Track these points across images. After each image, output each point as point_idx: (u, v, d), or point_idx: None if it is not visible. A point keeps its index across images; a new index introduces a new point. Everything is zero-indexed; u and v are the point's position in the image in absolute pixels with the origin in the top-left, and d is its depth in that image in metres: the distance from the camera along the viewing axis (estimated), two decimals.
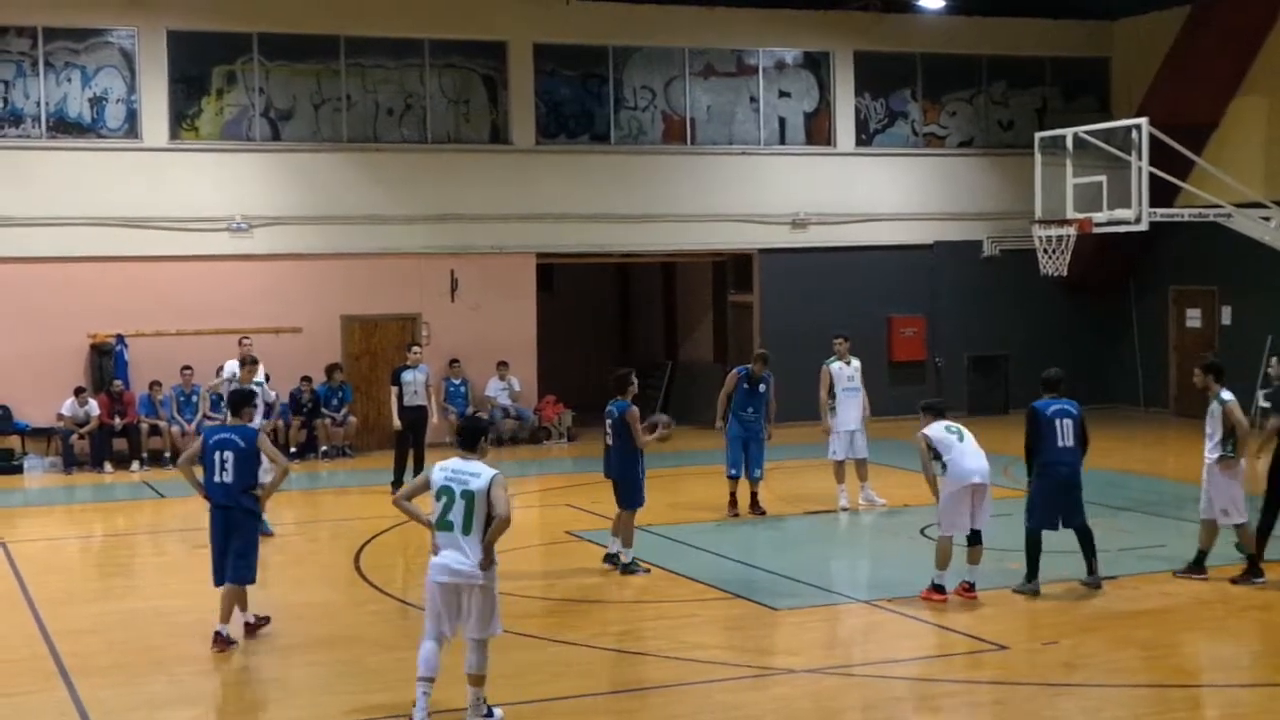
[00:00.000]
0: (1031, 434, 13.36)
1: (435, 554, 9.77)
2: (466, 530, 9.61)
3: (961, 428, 13.39)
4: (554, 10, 25.66)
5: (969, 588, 13.10)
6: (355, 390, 24.44)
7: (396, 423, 19.79)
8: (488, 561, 9.64)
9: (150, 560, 16.78)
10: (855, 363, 18.31)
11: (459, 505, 9.63)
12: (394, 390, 19.84)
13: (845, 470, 18.11)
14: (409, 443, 19.34)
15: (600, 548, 15.22)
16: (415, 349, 19.95)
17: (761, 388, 17.64)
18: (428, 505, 10.00)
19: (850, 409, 18.06)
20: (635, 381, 14.77)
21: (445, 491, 9.70)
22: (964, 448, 13.14)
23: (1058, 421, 13.30)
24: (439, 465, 9.88)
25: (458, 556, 9.64)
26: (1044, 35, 28.79)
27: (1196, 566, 13.73)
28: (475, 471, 9.70)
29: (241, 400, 12.42)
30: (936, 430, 13.23)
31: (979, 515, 13.13)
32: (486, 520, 9.64)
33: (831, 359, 18.29)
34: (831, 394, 18.14)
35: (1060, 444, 13.28)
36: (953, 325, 28.15)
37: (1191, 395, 14.27)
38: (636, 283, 31.74)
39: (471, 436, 9.94)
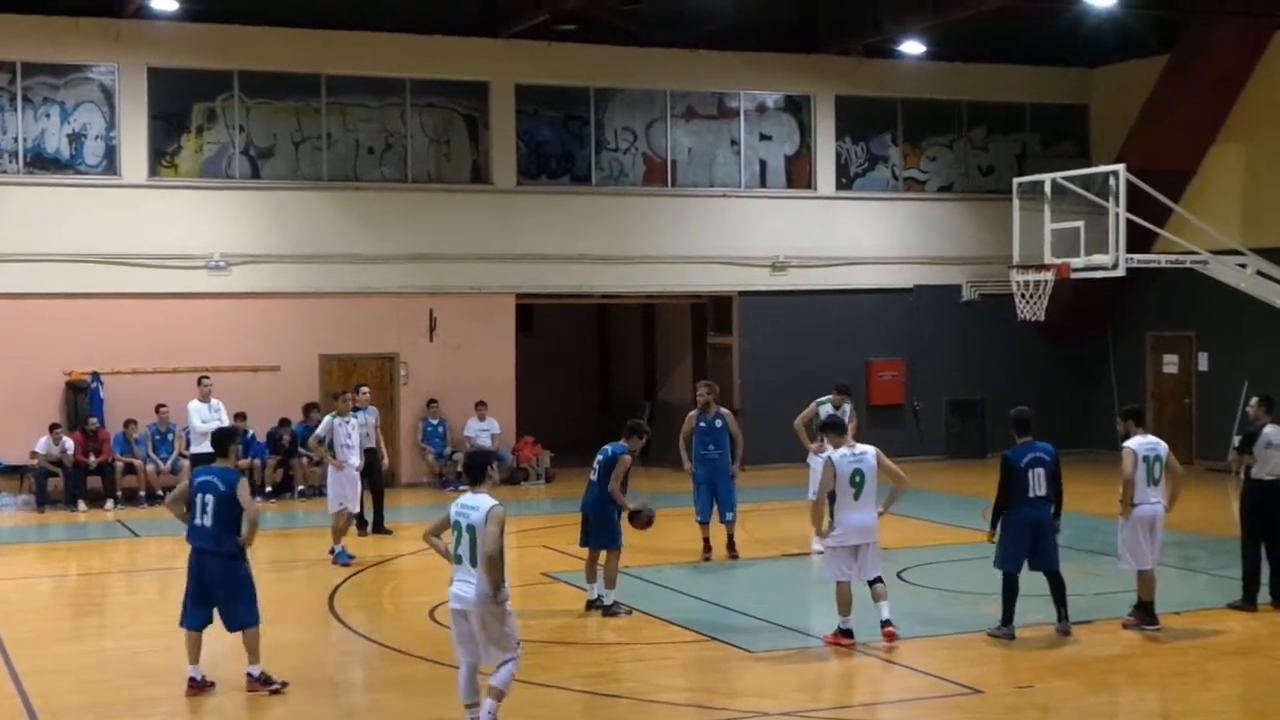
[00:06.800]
0: (1003, 485, 13.34)
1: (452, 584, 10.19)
2: (473, 562, 9.98)
3: (865, 473, 12.87)
4: (536, 51, 25.72)
5: (885, 623, 12.88)
6: None
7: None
8: (494, 596, 9.91)
9: (123, 600, 16.64)
10: (847, 408, 18.26)
11: (465, 538, 10.04)
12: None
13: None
14: (363, 484, 19.08)
15: (576, 589, 15.12)
16: (363, 390, 19.84)
17: (718, 423, 17.58)
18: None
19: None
20: (642, 437, 14.77)
21: (455, 525, 10.16)
22: (858, 505, 12.87)
23: (1030, 473, 13.23)
24: (456, 500, 10.30)
25: (465, 585, 10.03)
26: (1024, 82, 28.96)
27: (1144, 614, 13.66)
28: (476, 505, 10.05)
29: (227, 439, 12.15)
30: (843, 462, 12.98)
31: (867, 567, 12.92)
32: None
33: (825, 399, 18.23)
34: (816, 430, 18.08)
35: (1031, 494, 13.22)
36: (931, 369, 28.18)
37: (1168, 441, 14.32)
38: (616, 324, 31.74)
39: (476, 470, 10.32)
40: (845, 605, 12.97)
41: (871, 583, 12.97)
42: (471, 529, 9.98)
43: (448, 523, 10.29)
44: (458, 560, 10.08)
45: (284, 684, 11.63)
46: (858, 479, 12.87)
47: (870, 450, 13.02)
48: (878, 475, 12.97)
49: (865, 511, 12.91)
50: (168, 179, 24.19)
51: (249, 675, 11.68)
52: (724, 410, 17.84)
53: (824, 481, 13.16)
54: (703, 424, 17.63)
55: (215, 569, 11.58)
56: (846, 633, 12.94)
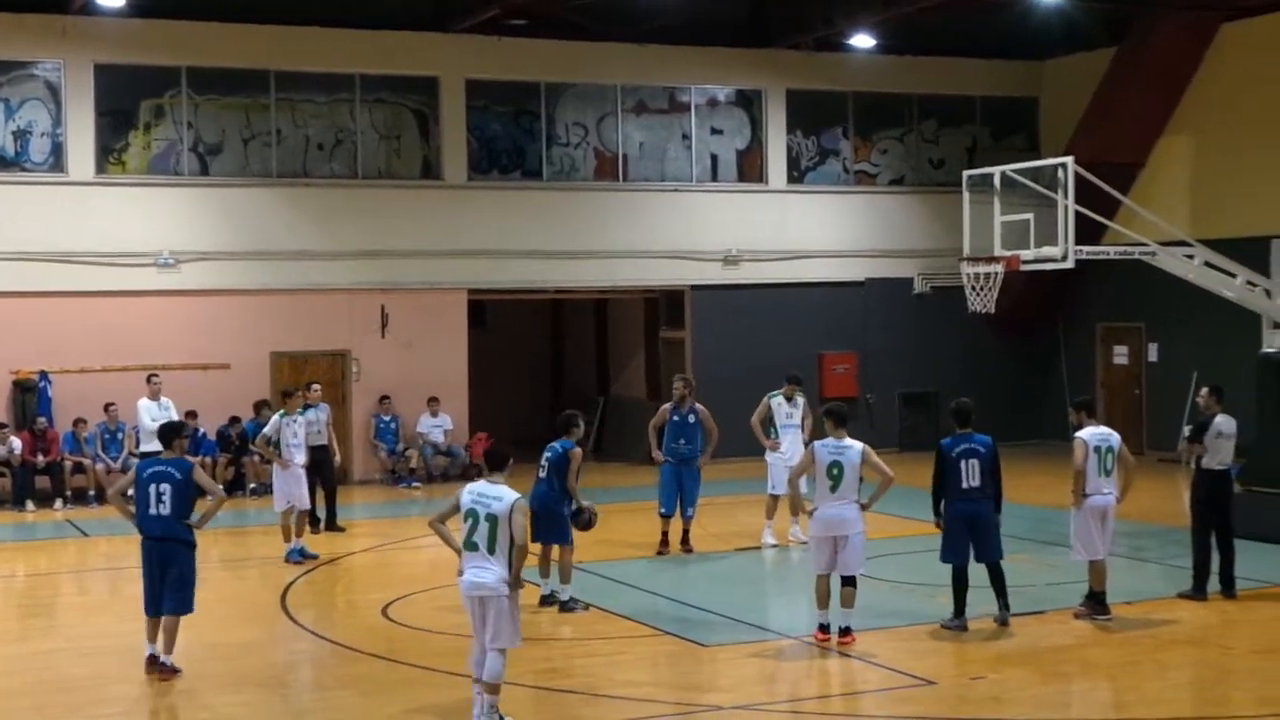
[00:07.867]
0: (937, 474, 13.42)
1: (461, 574, 10.31)
2: (491, 551, 10.17)
3: (845, 466, 12.84)
4: (486, 46, 25.63)
5: (844, 630, 12.87)
6: None
7: None
8: (517, 585, 10.21)
9: (72, 600, 16.50)
10: (800, 400, 18.30)
11: (483, 527, 10.18)
12: None
13: (776, 507, 18.06)
14: (314, 482, 18.95)
15: (529, 584, 15.06)
16: (315, 387, 19.72)
17: (691, 418, 17.58)
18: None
19: (793, 445, 17.94)
20: (581, 425, 14.76)
21: (471, 514, 10.26)
22: (835, 497, 12.86)
23: (963, 463, 13.26)
24: (467, 488, 10.43)
25: (481, 572, 10.19)
26: (974, 75, 29.08)
27: (1095, 604, 13.74)
28: (498, 495, 10.23)
29: (172, 432, 12.44)
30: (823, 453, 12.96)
31: (847, 562, 12.86)
32: (510, 540, 10.16)
33: (776, 393, 18.25)
34: (773, 424, 18.10)
35: (964, 485, 13.25)
36: (884, 362, 28.27)
37: (1119, 432, 14.42)
38: (569, 319, 31.69)
39: (499, 460, 10.49)
40: (820, 599, 12.94)
41: (845, 582, 12.87)
42: (492, 518, 10.13)
43: (455, 510, 10.39)
44: (472, 548, 10.22)
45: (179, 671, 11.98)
46: (835, 470, 12.79)
47: (856, 446, 12.91)
48: (863, 471, 12.89)
49: (842, 505, 12.83)
50: (115, 176, 23.97)
51: (164, 665, 11.91)
52: (699, 406, 17.76)
53: (800, 464, 13.28)
54: (676, 418, 17.61)
55: (173, 554, 11.89)
56: (823, 628, 12.93)
